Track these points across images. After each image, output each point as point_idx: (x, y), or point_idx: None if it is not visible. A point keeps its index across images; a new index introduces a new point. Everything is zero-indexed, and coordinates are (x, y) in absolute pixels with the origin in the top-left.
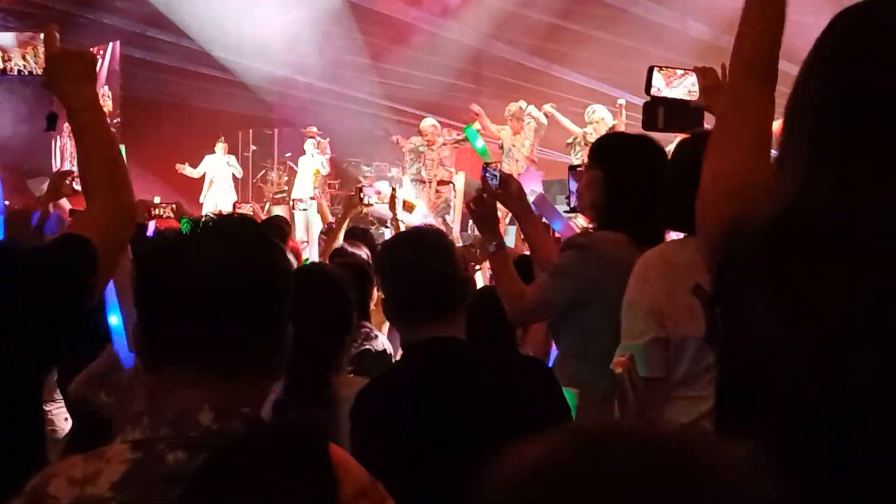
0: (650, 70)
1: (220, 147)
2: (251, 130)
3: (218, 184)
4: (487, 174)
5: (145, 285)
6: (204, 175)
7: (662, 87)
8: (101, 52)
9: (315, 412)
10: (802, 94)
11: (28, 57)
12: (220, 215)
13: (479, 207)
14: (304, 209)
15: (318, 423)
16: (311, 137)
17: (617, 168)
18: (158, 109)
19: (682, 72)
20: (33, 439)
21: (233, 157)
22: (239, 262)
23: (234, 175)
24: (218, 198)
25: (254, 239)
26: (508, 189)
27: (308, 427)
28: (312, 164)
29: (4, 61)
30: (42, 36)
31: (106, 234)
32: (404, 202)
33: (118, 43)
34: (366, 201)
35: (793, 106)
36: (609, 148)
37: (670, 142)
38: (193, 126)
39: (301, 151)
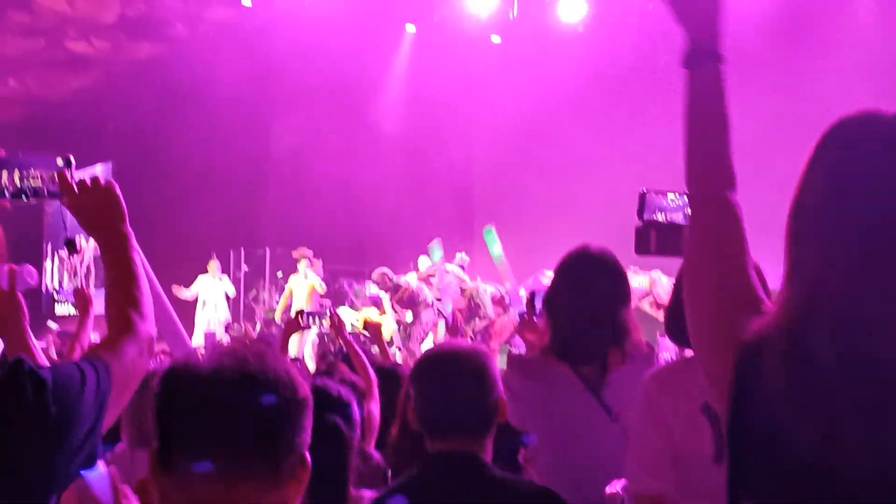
0: (642, 195)
1: (213, 266)
2: (242, 249)
3: (210, 304)
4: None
5: (163, 396)
6: (196, 295)
7: (656, 211)
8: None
9: None
10: (806, 197)
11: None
12: (233, 343)
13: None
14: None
15: None
16: (303, 258)
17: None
18: (149, 226)
19: (676, 195)
20: None
21: (226, 277)
22: (248, 378)
23: (226, 294)
24: (211, 317)
25: (263, 360)
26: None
27: None
28: (307, 283)
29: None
30: (59, 161)
31: (123, 361)
32: (366, 322)
33: (110, 164)
34: (305, 323)
35: (796, 208)
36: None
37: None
38: (184, 245)
39: (293, 270)
